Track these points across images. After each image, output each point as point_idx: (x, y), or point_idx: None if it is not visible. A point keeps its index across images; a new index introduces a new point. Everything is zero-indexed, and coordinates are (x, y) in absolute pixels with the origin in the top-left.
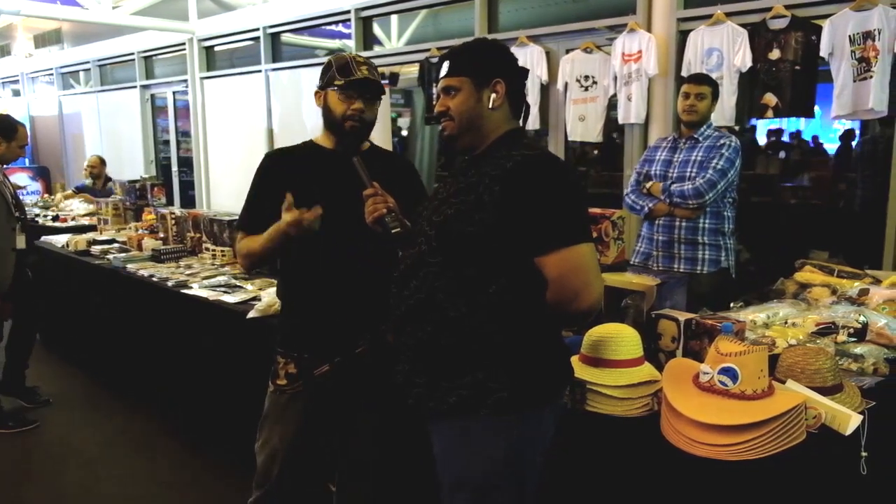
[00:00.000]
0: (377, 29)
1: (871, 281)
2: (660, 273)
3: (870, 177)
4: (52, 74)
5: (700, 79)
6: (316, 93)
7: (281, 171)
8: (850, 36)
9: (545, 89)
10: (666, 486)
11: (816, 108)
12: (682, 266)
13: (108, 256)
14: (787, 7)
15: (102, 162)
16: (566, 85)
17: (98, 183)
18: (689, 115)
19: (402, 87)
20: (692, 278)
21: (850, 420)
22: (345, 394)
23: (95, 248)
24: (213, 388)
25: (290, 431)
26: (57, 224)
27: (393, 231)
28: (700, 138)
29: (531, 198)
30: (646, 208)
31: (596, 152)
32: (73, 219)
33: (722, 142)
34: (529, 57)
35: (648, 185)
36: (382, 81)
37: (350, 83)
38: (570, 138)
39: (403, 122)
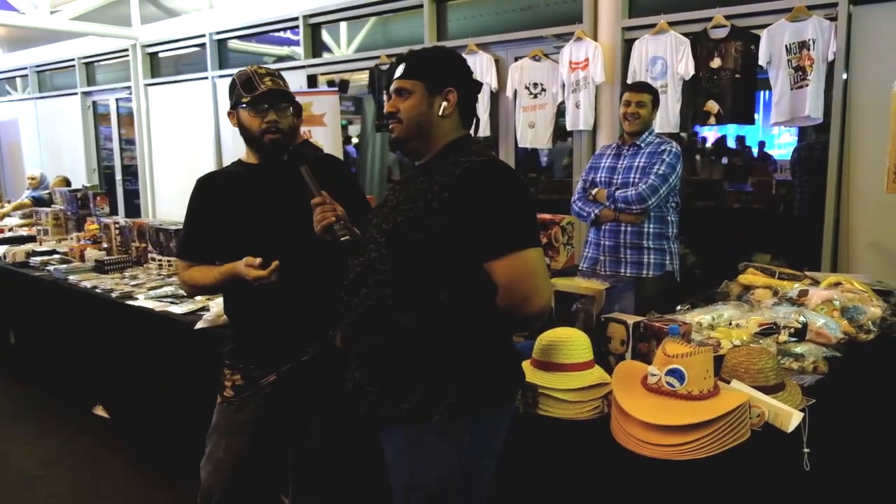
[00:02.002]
0: (326, 36)
1: (811, 282)
2: (607, 278)
3: (808, 181)
4: None
5: (640, 87)
6: (228, 113)
7: (214, 194)
8: (786, 45)
9: (495, 97)
10: (616, 486)
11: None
12: (628, 270)
13: (48, 268)
14: (727, 17)
15: (67, 183)
16: (515, 92)
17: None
18: (630, 124)
19: (353, 94)
20: (638, 282)
21: (791, 418)
22: (294, 402)
23: (35, 260)
24: (159, 401)
25: (237, 444)
26: None
27: (342, 239)
28: (642, 145)
29: (480, 203)
30: (592, 214)
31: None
32: (10, 229)
33: (663, 148)
34: (479, 65)
35: (594, 191)
36: (331, 88)
37: (256, 98)
38: (520, 145)
39: (354, 129)
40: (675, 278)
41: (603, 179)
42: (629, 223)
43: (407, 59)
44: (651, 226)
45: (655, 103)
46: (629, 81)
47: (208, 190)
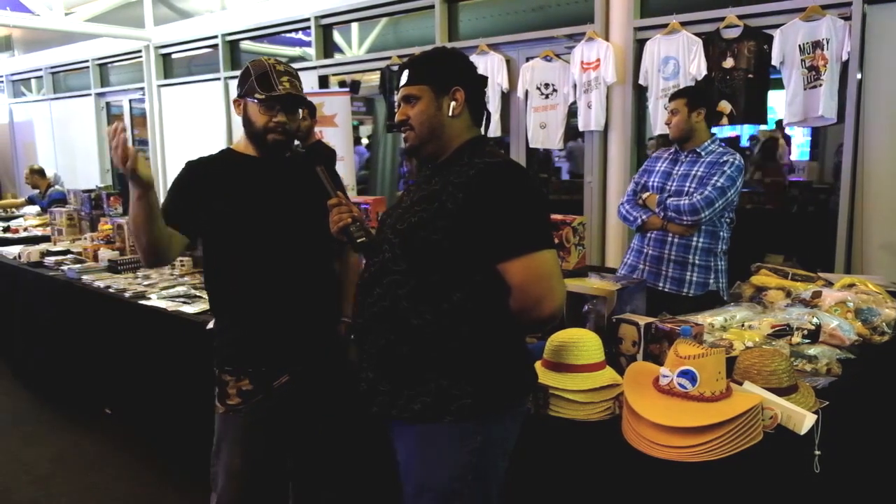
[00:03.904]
0: (338, 37)
1: (824, 283)
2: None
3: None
4: (2, 82)
5: (674, 95)
6: (235, 101)
7: (207, 178)
8: (799, 45)
9: (506, 97)
10: (627, 488)
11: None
12: (667, 285)
13: (62, 268)
14: (740, 17)
15: (34, 172)
16: (527, 93)
17: (40, 194)
18: (671, 132)
19: (364, 94)
20: (676, 301)
21: (804, 420)
22: (307, 404)
23: (49, 260)
24: (170, 401)
25: (257, 450)
26: (8, 235)
27: (358, 241)
28: (703, 153)
29: (494, 204)
30: (639, 220)
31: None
32: (25, 229)
33: (725, 159)
34: (490, 65)
35: (644, 196)
36: (343, 89)
37: (271, 98)
38: (531, 145)
39: (365, 129)
40: (721, 297)
41: (655, 185)
42: (677, 234)
43: (410, 65)
44: (700, 240)
45: (694, 105)
46: (641, 82)
47: (200, 174)
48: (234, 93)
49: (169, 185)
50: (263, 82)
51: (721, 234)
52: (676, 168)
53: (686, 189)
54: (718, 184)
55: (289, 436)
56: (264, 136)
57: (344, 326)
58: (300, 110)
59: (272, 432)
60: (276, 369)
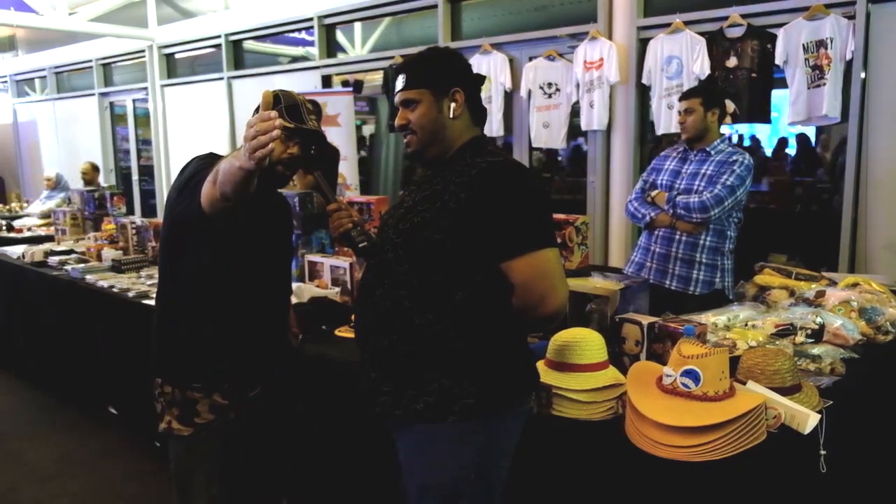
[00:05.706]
0: (341, 36)
1: (828, 283)
2: None
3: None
4: (6, 82)
5: (687, 94)
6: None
7: None
8: (803, 44)
9: (509, 96)
10: (631, 487)
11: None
12: (674, 283)
13: (65, 267)
14: (743, 16)
15: (95, 168)
16: (529, 92)
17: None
18: (683, 132)
19: (367, 94)
20: (682, 299)
21: (808, 419)
22: (278, 412)
23: (53, 259)
24: None
25: (234, 467)
26: (12, 235)
27: (360, 245)
28: (712, 152)
29: (497, 204)
30: (647, 217)
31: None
32: (28, 229)
33: (734, 158)
34: (493, 64)
35: (653, 193)
36: (346, 89)
37: (298, 130)
38: (534, 145)
39: (368, 129)
40: (727, 296)
41: (664, 183)
42: (685, 232)
43: (406, 68)
44: (708, 238)
45: (709, 105)
46: (644, 81)
47: None
48: (237, 93)
49: (172, 182)
50: (293, 113)
51: (728, 233)
52: (685, 167)
53: (695, 188)
54: (728, 182)
55: (266, 445)
56: (273, 164)
57: (293, 336)
58: (312, 149)
59: (248, 445)
60: (251, 381)
